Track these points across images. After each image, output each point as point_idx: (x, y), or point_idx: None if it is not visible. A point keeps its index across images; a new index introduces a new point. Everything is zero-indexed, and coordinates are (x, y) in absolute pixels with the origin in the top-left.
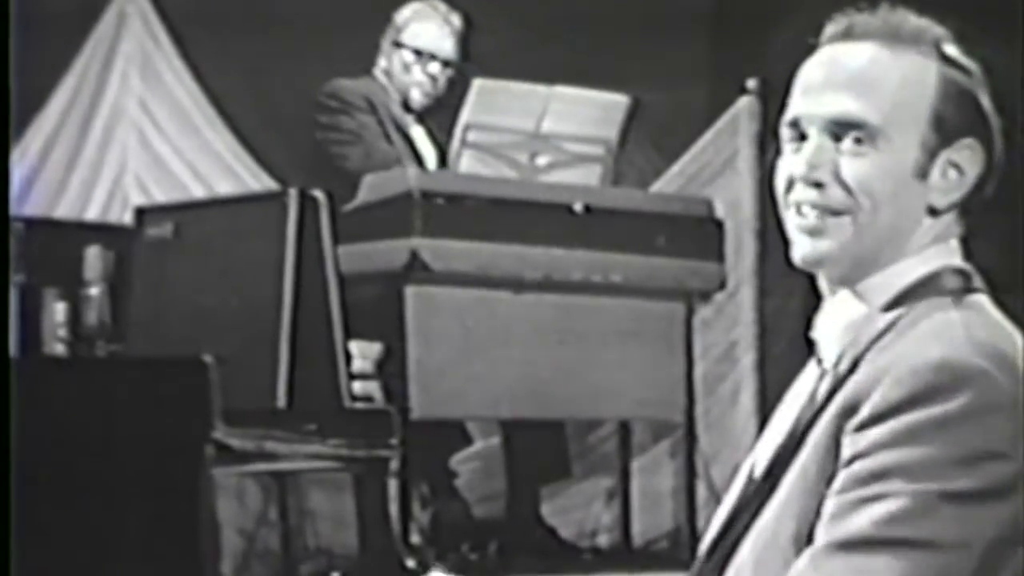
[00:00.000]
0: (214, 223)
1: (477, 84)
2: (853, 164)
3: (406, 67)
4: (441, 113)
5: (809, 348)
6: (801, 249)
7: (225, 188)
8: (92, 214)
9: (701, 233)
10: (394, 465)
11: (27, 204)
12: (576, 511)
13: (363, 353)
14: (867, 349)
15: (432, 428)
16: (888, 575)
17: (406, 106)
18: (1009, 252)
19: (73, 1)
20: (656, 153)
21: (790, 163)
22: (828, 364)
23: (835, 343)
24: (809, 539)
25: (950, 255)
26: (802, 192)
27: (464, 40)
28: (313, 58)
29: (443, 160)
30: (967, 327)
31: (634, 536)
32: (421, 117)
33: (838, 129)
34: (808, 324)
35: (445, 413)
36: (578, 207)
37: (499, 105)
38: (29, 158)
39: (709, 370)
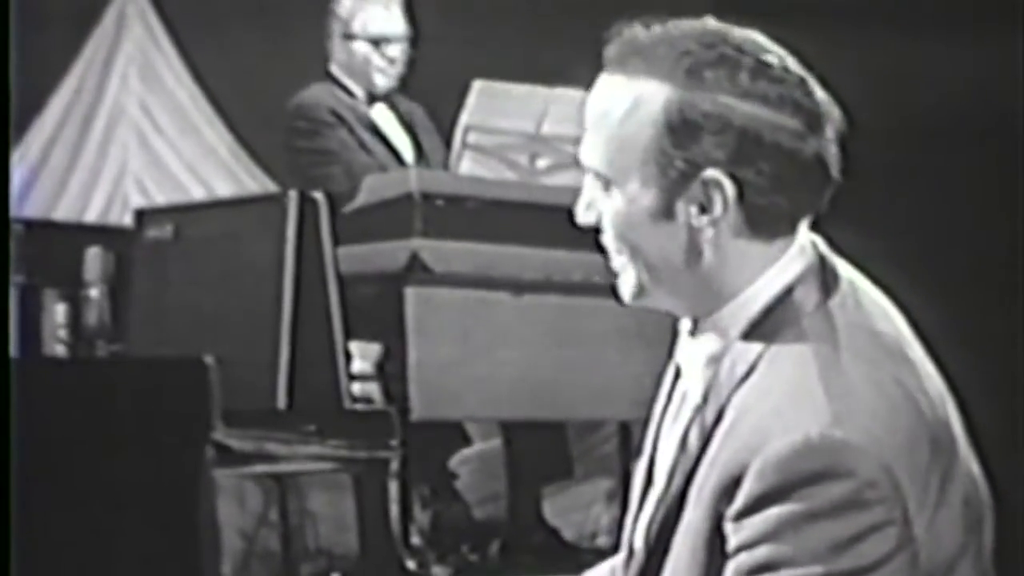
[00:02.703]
0: (214, 224)
1: (477, 86)
2: (605, 207)
3: (365, 58)
4: (413, 98)
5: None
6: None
7: (225, 189)
8: (92, 215)
9: None
10: (394, 466)
11: (27, 205)
12: (577, 512)
13: (363, 354)
14: (732, 393)
15: (432, 429)
16: None
17: (371, 96)
18: (1009, 252)
19: (73, 2)
20: None
21: None
22: (696, 399)
23: (699, 378)
24: None
25: (794, 267)
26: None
27: (409, 9)
28: (313, 58)
29: (416, 143)
30: (825, 380)
31: None
32: (389, 101)
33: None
34: None
35: (445, 414)
36: None
37: (499, 107)
38: (29, 159)
39: None
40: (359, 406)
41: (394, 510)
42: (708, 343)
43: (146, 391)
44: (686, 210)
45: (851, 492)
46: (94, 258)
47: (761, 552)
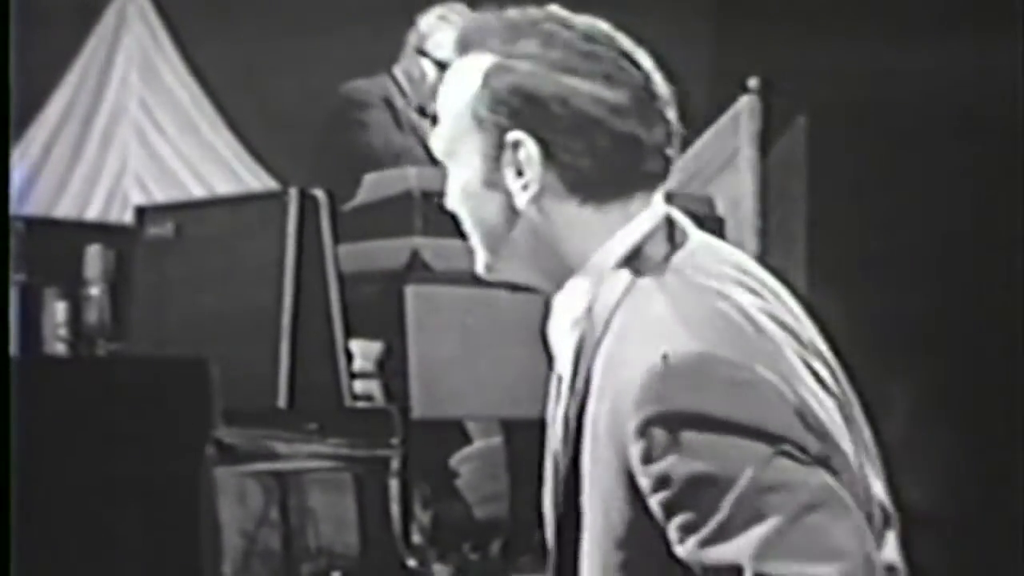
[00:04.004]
0: (214, 222)
1: None
2: (452, 187)
3: (424, 75)
4: None
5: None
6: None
7: (225, 187)
8: (92, 213)
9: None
10: (395, 464)
11: (28, 203)
12: None
13: (364, 352)
14: (595, 352)
15: (433, 427)
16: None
17: (421, 111)
18: (1009, 252)
19: (73, 1)
20: None
21: None
22: (566, 379)
23: (567, 347)
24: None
25: (640, 228)
26: None
27: None
28: (313, 58)
29: None
30: (674, 307)
31: None
32: (435, 120)
33: None
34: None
35: (446, 412)
36: None
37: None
38: (30, 157)
39: None
40: (360, 404)
41: (395, 509)
42: (568, 311)
43: (147, 389)
44: (507, 175)
45: (728, 382)
46: (95, 256)
47: (679, 474)
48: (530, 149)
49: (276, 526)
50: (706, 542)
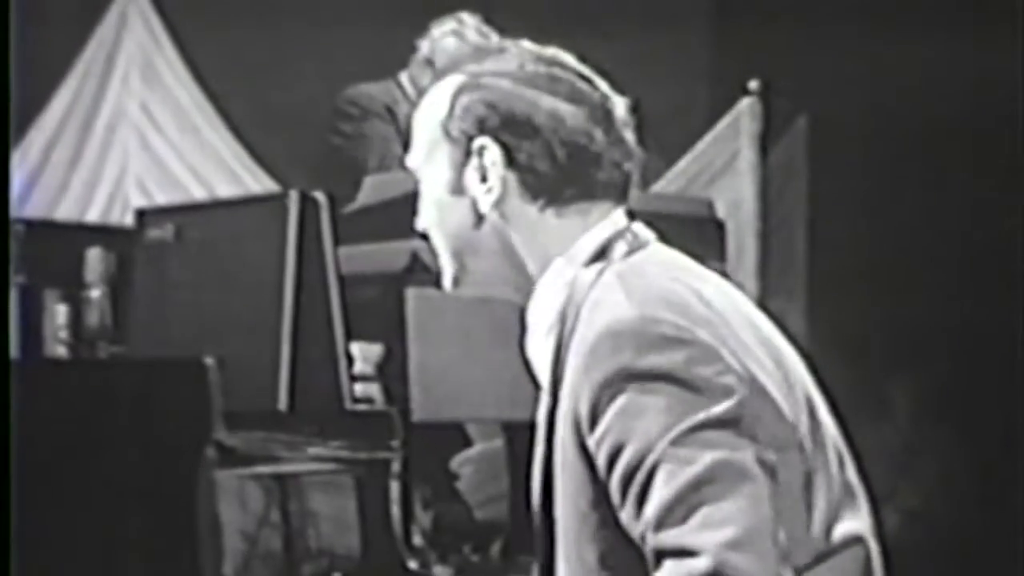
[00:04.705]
0: (215, 225)
1: None
2: (423, 202)
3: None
4: None
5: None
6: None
7: (226, 190)
8: (93, 216)
9: (702, 234)
10: (396, 467)
11: (28, 206)
12: None
13: (364, 355)
14: (565, 356)
15: (433, 430)
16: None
17: None
18: (1009, 252)
19: (74, 2)
20: (657, 154)
21: None
22: (546, 385)
23: (547, 356)
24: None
25: (602, 233)
26: None
27: None
28: (314, 59)
29: None
30: (626, 288)
31: None
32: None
33: None
34: (810, 323)
35: (446, 415)
36: None
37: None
38: (30, 160)
39: None
40: (360, 407)
41: (395, 511)
42: (542, 318)
43: (147, 392)
44: (472, 180)
45: (666, 339)
46: (95, 258)
47: (611, 440)
48: (493, 153)
49: (277, 528)
50: (629, 510)
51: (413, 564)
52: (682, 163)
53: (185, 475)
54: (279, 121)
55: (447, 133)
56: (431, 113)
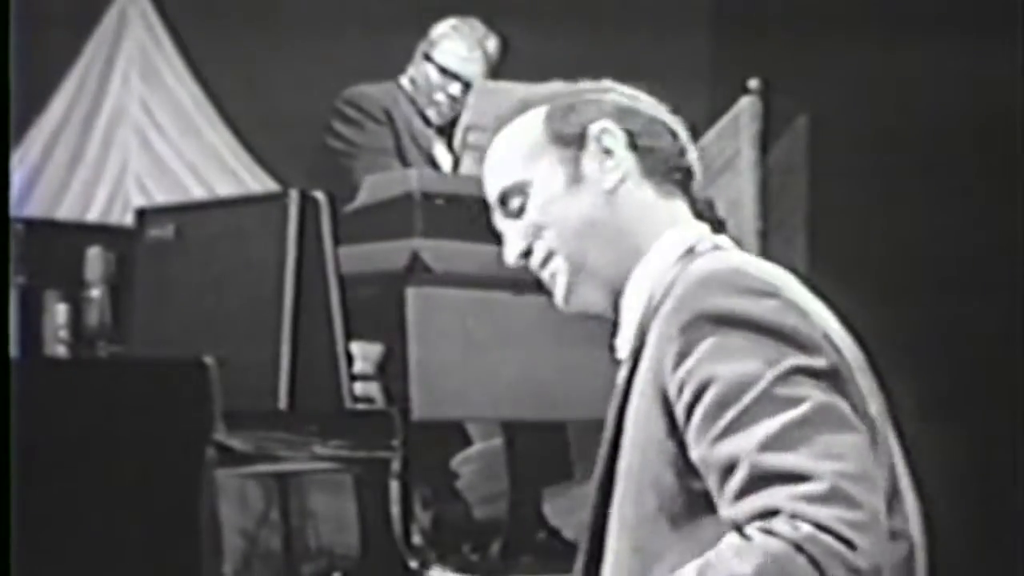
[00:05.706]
0: (215, 224)
1: (477, 86)
2: (523, 224)
3: (429, 82)
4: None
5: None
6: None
7: (226, 189)
8: (93, 215)
9: None
10: (395, 466)
11: (28, 205)
12: (578, 512)
13: (364, 354)
14: (648, 328)
15: (433, 429)
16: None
17: (424, 119)
18: (1009, 252)
19: (74, 2)
20: None
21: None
22: (626, 355)
23: (630, 341)
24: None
25: (692, 233)
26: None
27: (495, 65)
28: (314, 59)
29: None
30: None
31: None
32: (440, 129)
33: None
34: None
35: (446, 414)
36: None
37: (500, 107)
38: (30, 159)
39: None
40: (360, 406)
41: (395, 510)
42: (632, 311)
43: (147, 392)
44: (591, 166)
45: (759, 292)
46: (95, 258)
47: (702, 374)
48: (616, 133)
49: (277, 527)
50: (716, 439)
51: (413, 563)
52: None
53: (185, 475)
54: (279, 121)
55: (556, 137)
56: (519, 136)
